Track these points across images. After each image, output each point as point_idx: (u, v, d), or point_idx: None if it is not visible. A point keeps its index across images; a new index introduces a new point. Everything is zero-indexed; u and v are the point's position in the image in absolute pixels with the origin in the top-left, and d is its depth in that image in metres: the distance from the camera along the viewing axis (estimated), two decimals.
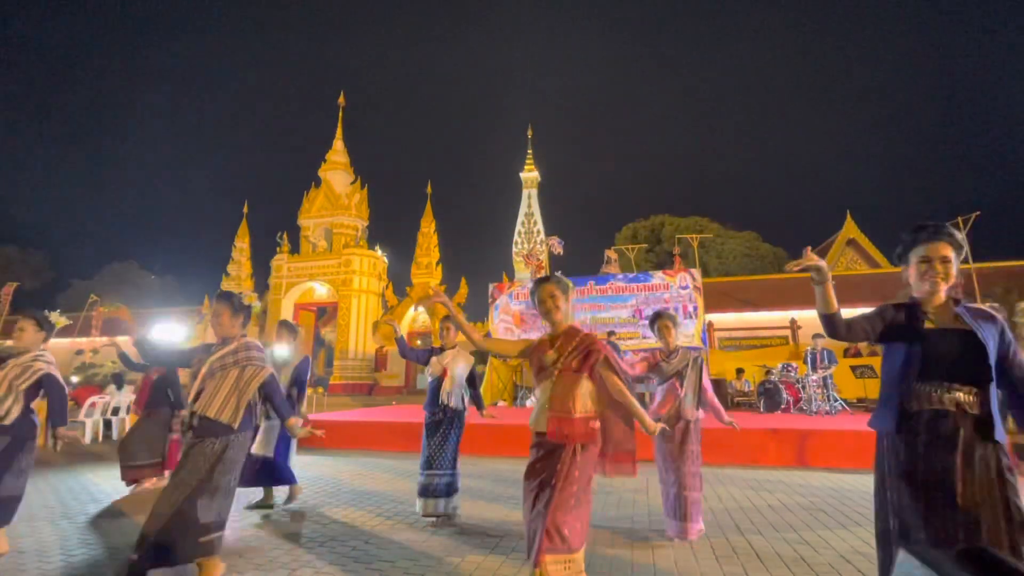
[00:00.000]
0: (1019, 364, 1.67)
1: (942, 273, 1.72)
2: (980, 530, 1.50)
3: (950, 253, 1.73)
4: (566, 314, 2.26)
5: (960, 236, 1.76)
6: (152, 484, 4.70)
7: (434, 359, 3.87)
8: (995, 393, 1.63)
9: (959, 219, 15.84)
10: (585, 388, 2.16)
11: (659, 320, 3.50)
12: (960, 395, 1.62)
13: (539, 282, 2.30)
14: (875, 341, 1.82)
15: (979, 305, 1.79)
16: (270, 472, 4.04)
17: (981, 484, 1.55)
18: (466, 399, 3.91)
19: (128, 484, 4.61)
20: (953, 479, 1.56)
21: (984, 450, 1.58)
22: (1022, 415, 1.68)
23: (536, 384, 2.27)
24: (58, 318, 3.41)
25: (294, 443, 4.35)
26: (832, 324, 1.75)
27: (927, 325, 1.73)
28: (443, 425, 3.75)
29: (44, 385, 3.10)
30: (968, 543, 1.49)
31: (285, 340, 4.35)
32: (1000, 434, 1.59)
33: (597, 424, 2.16)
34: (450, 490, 3.66)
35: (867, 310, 1.87)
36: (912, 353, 1.71)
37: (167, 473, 4.80)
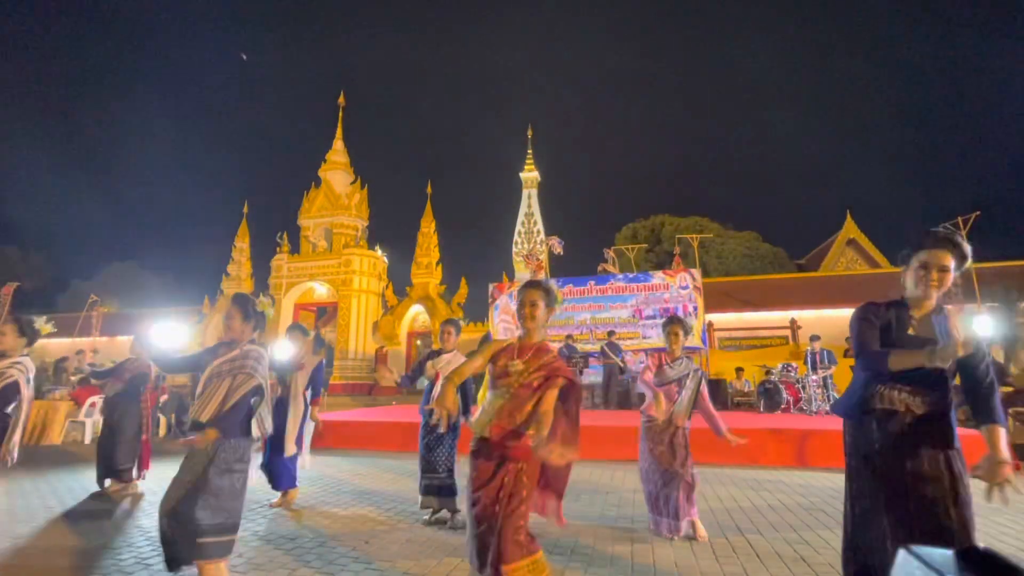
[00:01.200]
0: (980, 372, 1.70)
1: (936, 281, 1.75)
2: (926, 525, 1.60)
3: (950, 263, 1.74)
4: (540, 325, 2.18)
5: (967, 247, 1.76)
6: (134, 487, 4.65)
7: (429, 363, 3.89)
8: (950, 401, 1.73)
9: (959, 219, 15.84)
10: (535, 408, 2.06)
11: (670, 326, 3.54)
12: (908, 396, 1.73)
13: (528, 285, 2.22)
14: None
15: (958, 317, 1.79)
16: (286, 472, 4.09)
17: (929, 481, 1.64)
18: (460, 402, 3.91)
19: (102, 485, 4.53)
20: (901, 473, 1.68)
21: (933, 450, 1.67)
22: (974, 406, 1.74)
23: (491, 387, 2.16)
24: (43, 325, 3.42)
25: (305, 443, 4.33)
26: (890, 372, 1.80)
27: (909, 331, 1.79)
28: (436, 429, 3.75)
29: (3, 391, 3.03)
30: (913, 538, 1.58)
31: (299, 344, 4.35)
32: (952, 440, 1.69)
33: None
34: (447, 492, 3.67)
35: None
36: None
37: (145, 473, 4.81)
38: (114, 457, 4.57)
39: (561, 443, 2.07)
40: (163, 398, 8.38)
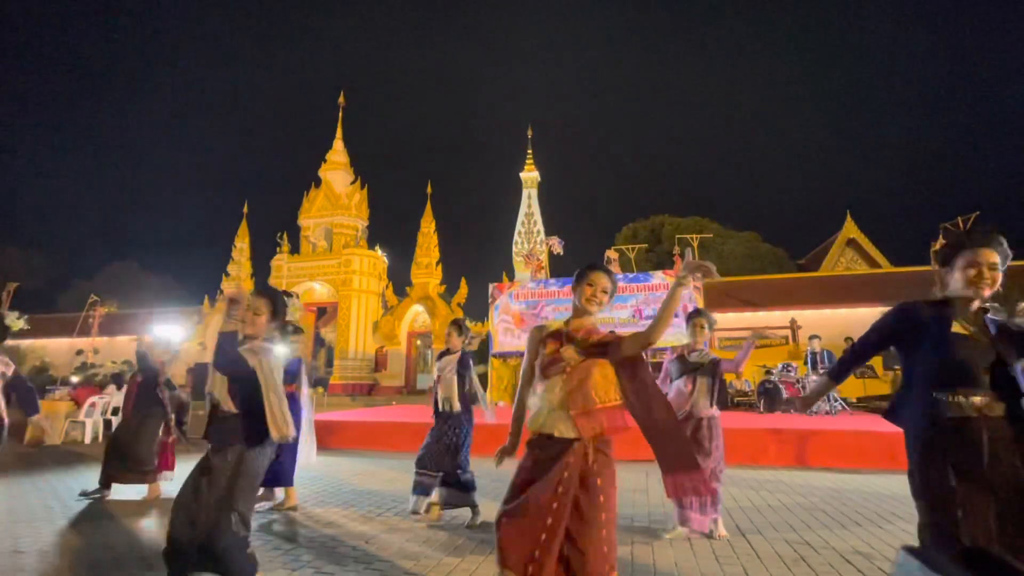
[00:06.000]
0: None
1: (990, 280, 1.72)
2: (1007, 534, 1.52)
3: (998, 260, 1.74)
4: (598, 312, 2.02)
5: (1007, 246, 1.75)
6: (156, 490, 4.60)
7: (438, 364, 3.94)
8: None
9: (959, 219, 15.83)
10: (605, 373, 1.89)
11: (695, 318, 3.56)
12: (979, 399, 1.64)
13: (600, 269, 2.02)
14: (887, 346, 1.91)
15: (1006, 319, 1.75)
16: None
17: (1008, 488, 1.56)
18: (473, 400, 3.98)
19: (107, 486, 4.48)
20: (980, 483, 1.58)
21: (1013, 455, 1.58)
22: None
23: (539, 380, 1.99)
24: (15, 321, 3.49)
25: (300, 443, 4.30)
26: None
27: (956, 330, 1.74)
28: (437, 427, 3.87)
29: None
30: (998, 546, 1.50)
31: (297, 344, 4.36)
32: None
33: (626, 414, 1.88)
34: (423, 490, 3.76)
35: (865, 309, 1.90)
36: (938, 355, 1.73)
37: (167, 474, 4.78)
38: (135, 456, 4.53)
39: (648, 411, 1.90)
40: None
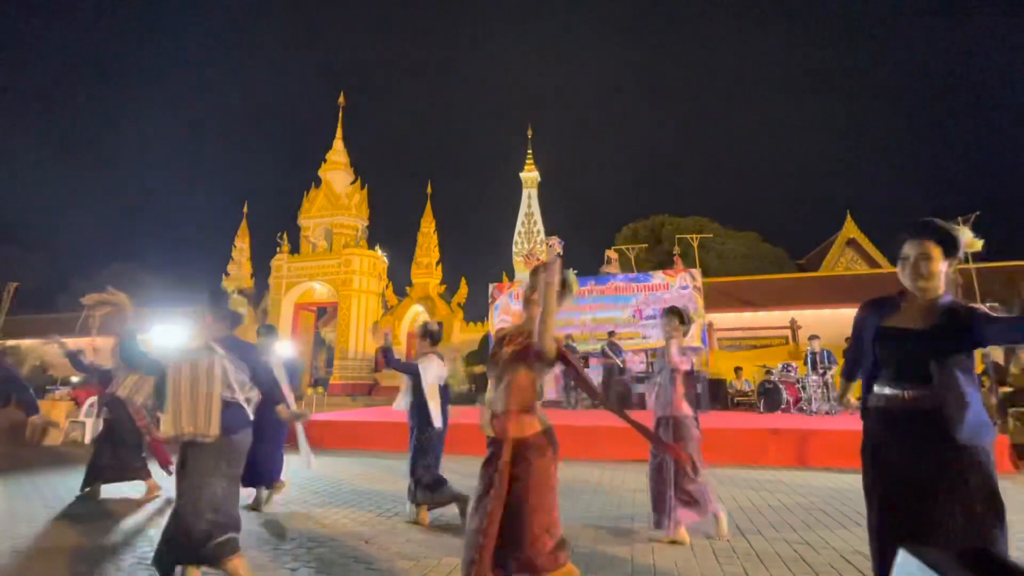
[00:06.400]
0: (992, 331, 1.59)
1: (920, 271, 1.67)
2: (928, 527, 1.55)
3: (932, 251, 1.67)
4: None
5: (955, 233, 1.68)
6: (154, 488, 4.62)
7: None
8: (963, 393, 1.58)
9: (959, 219, 15.80)
10: (527, 377, 1.94)
11: (664, 316, 3.48)
12: (902, 392, 1.67)
13: (538, 270, 2.06)
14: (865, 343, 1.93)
15: (970, 304, 1.67)
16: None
17: (923, 480, 1.58)
18: (434, 408, 3.81)
19: (91, 483, 4.45)
20: (898, 473, 1.64)
21: (937, 447, 1.58)
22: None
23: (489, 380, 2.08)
24: None
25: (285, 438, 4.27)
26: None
27: (886, 323, 1.76)
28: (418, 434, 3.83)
29: None
30: (914, 540, 1.54)
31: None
32: (962, 433, 1.55)
33: (536, 424, 1.93)
34: (409, 495, 3.75)
35: None
36: (871, 349, 1.79)
37: (171, 468, 4.79)
38: (117, 454, 4.53)
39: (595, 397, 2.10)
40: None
